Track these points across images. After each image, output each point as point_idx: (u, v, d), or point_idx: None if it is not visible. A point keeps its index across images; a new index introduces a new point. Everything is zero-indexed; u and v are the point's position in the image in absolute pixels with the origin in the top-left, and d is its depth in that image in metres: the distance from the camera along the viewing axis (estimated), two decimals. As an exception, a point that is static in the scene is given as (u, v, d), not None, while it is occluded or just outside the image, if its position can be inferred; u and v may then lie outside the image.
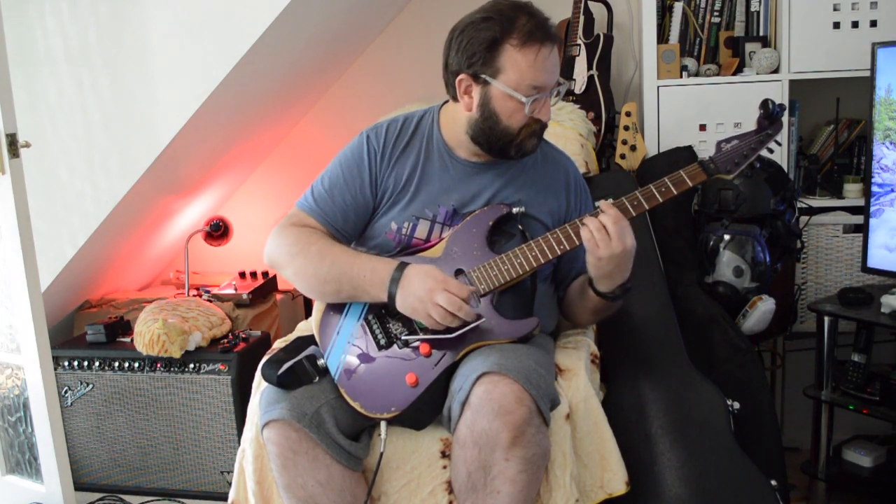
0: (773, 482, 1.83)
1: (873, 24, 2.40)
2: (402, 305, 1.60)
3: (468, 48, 1.61)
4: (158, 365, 2.43)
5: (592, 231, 1.56)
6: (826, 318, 2.26)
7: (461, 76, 1.64)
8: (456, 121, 1.71)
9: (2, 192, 2.12)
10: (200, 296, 2.74)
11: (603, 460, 1.69)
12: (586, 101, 2.63)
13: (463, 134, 1.70)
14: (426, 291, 1.56)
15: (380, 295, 1.62)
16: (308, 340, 1.82)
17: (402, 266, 1.62)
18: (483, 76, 1.61)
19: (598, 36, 2.64)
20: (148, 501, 2.50)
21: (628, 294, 1.68)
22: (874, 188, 2.24)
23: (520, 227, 1.71)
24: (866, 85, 2.25)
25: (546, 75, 1.61)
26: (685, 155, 2.41)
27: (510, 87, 1.60)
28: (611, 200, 1.62)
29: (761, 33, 2.55)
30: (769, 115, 1.65)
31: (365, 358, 1.64)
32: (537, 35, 1.58)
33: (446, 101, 1.77)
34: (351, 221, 1.74)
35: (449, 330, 1.60)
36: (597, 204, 1.62)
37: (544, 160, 1.80)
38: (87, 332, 2.56)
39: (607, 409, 1.73)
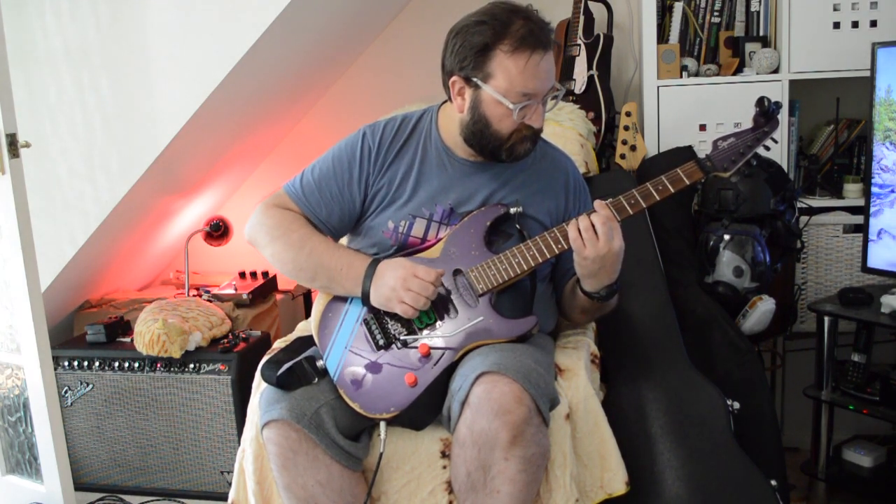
0: (773, 482, 1.83)
1: (873, 24, 2.40)
2: (376, 299, 1.63)
3: (461, 51, 1.61)
4: (158, 365, 2.43)
5: (580, 230, 1.57)
6: (826, 318, 2.26)
7: (454, 78, 1.64)
8: (453, 121, 1.72)
9: (2, 192, 2.12)
10: (200, 296, 2.74)
11: (603, 460, 1.69)
12: (586, 101, 2.63)
13: (458, 135, 1.70)
14: (397, 279, 1.60)
15: (353, 289, 1.66)
16: (308, 341, 1.82)
17: (375, 263, 1.65)
18: (474, 80, 1.61)
19: (598, 36, 2.64)
20: (148, 501, 2.50)
21: (615, 295, 1.69)
22: (874, 189, 2.24)
23: (518, 226, 1.71)
24: (866, 85, 2.25)
25: (537, 82, 1.60)
26: (685, 155, 2.41)
27: (499, 92, 1.60)
28: (609, 200, 1.62)
29: (761, 33, 2.55)
30: (765, 113, 1.65)
31: (364, 358, 1.64)
32: (529, 41, 1.57)
33: (445, 101, 1.77)
34: (335, 215, 1.74)
35: (441, 320, 1.62)
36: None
37: (543, 160, 1.80)
38: (87, 332, 2.56)
39: (607, 409, 1.73)
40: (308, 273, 1.69)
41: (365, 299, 1.65)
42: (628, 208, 1.62)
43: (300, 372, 1.66)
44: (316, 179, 1.74)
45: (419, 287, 1.59)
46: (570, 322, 1.90)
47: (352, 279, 1.65)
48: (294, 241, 1.68)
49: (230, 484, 1.82)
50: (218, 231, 2.94)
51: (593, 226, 1.56)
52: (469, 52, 1.60)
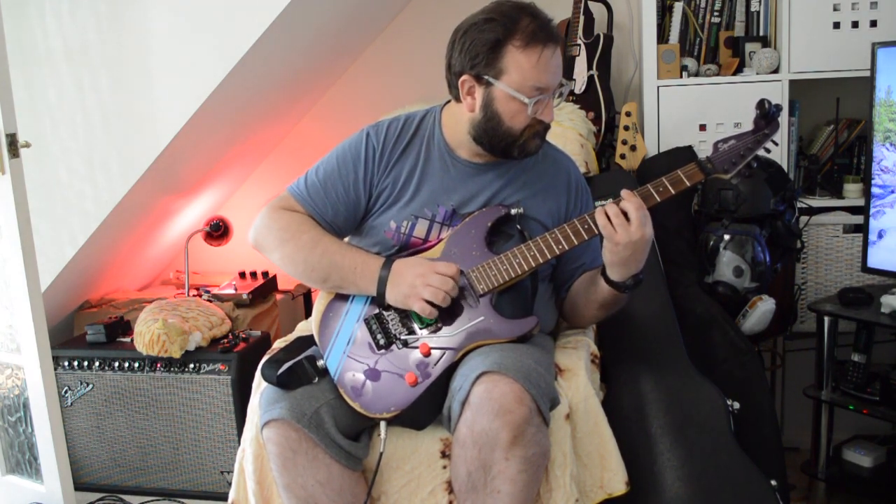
0: (773, 482, 1.83)
1: (873, 24, 2.40)
2: (393, 298, 1.63)
3: (471, 49, 1.61)
4: (158, 365, 2.43)
5: (610, 217, 1.56)
6: (826, 318, 2.26)
7: (464, 77, 1.64)
8: (458, 121, 1.71)
9: (2, 192, 2.12)
10: (200, 296, 2.74)
11: (603, 460, 1.69)
12: (586, 101, 2.63)
13: (465, 134, 1.70)
14: (416, 276, 1.61)
15: (368, 288, 1.65)
16: (308, 341, 1.82)
17: (390, 262, 1.65)
18: (486, 77, 1.61)
19: (598, 36, 2.65)
20: (148, 501, 2.50)
21: (639, 286, 1.67)
22: (874, 189, 2.24)
23: (518, 227, 1.71)
24: (866, 85, 2.25)
25: (549, 76, 1.61)
26: (685, 155, 2.41)
27: (513, 88, 1.60)
28: (610, 200, 1.62)
29: (761, 33, 2.55)
30: (765, 115, 1.65)
31: (365, 358, 1.64)
32: (540, 36, 1.58)
33: (448, 102, 1.77)
34: (341, 215, 1.74)
35: (444, 322, 1.62)
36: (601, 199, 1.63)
37: (545, 160, 1.80)
38: (87, 332, 2.56)
39: (607, 409, 1.73)
40: (320, 273, 1.69)
41: (380, 298, 1.65)
42: (629, 209, 1.62)
43: (300, 371, 1.66)
44: (321, 180, 1.74)
45: (439, 282, 1.59)
46: (578, 323, 1.87)
47: (367, 278, 1.65)
48: (305, 243, 1.68)
49: (230, 484, 1.82)
50: (218, 231, 2.94)
51: (624, 213, 1.56)
52: (480, 49, 1.60)
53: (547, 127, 1.68)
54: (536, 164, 1.79)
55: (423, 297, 1.60)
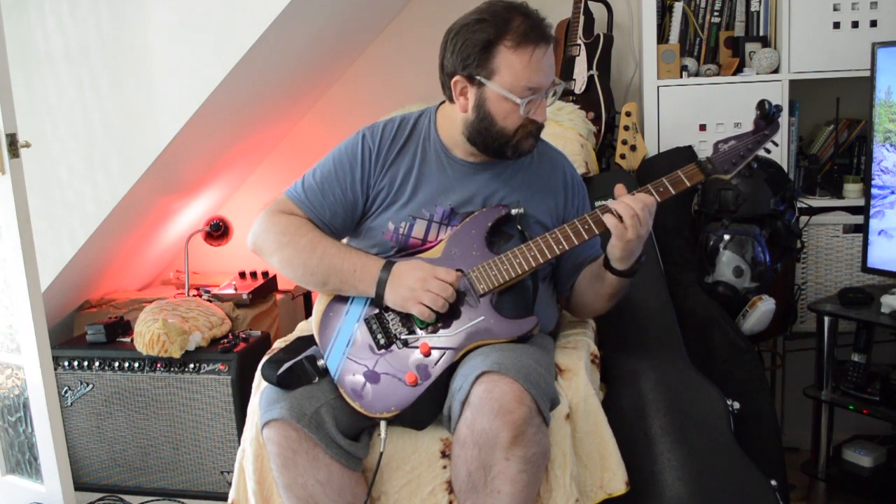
0: (773, 482, 1.83)
1: (873, 24, 2.41)
2: (392, 300, 1.63)
3: (463, 50, 1.61)
4: (158, 365, 2.43)
5: (624, 217, 1.57)
6: (826, 318, 2.26)
7: (456, 78, 1.64)
8: (452, 121, 1.72)
9: (2, 192, 2.12)
10: (200, 296, 2.74)
11: (603, 460, 1.69)
12: (586, 101, 2.63)
13: (459, 134, 1.70)
14: (416, 280, 1.60)
15: (367, 290, 1.65)
16: (308, 341, 1.82)
17: (390, 264, 1.65)
18: (478, 78, 1.61)
19: (598, 36, 2.65)
20: (148, 501, 2.50)
21: (642, 266, 1.70)
22: (874, 190, 2.24)
23: (518, 227, 1.71)
24: (866, 85, 2.25)
25: (541, 76, 1.61)
26: (685, 155, 2.41)
27: (505, 88, 1.60)
28: (609, 201, 1.62)
29: (761, 33, 2.55)
30: (766, 116, 1.66)
31: (365, 359, 1.64)
32: (531, 36, 1.58)
33: (443, 102, 1.77)
34: (339, 217, 1.74)
35: (444, 323, 1.62)
36: (600, 202, 1.63)
37: (541, 159, 1.81)
38: (87, 332, 2.56)
39: (607, 409, 1.73)
40: (320, 277, 1.68)
41: (378, 300, 1.65)
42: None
43: (300, 371, 1.66)
44: (318, 182, 1.74)
45: (439, 288, 1.59)
46: (585, 316, 1.89)
47: (366, 281, 1.65)
48: (304, 246, 1.68)
49: (230, 484, 1.82)
50: (218, 231, 2.94)
51: (635, 212, 1.57)
52: (472, 49, 1.60)
53: (540, 127, 1.68)
54: (532, 163, 1.79)
55: (422, 301, 1.60)
